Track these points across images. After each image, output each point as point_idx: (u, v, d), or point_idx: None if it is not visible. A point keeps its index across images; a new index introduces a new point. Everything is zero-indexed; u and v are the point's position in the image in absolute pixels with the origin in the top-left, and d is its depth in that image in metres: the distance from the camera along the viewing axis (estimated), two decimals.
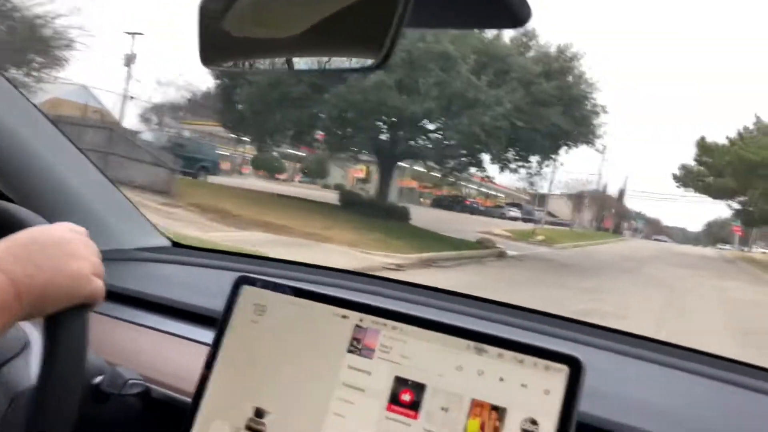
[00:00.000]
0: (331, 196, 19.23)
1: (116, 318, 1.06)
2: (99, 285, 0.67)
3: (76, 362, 0.65)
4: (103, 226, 1.31)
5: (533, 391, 0.61)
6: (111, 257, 1.31)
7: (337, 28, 0.56)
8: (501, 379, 0.62)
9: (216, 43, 0.71)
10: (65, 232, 0.66)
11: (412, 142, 17.85)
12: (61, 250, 0.63)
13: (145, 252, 1.39)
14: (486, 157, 17.93)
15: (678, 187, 28.07)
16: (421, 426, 0.63)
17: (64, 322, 0.64)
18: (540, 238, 20.67)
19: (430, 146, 18.01)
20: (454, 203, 36.49)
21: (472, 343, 0.64)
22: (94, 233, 1.28)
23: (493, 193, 49.00)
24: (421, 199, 38.51)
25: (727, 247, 50.67)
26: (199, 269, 1.35)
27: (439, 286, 1.32)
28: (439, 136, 17.49)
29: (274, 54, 0.68)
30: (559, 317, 1.16)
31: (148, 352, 0.97)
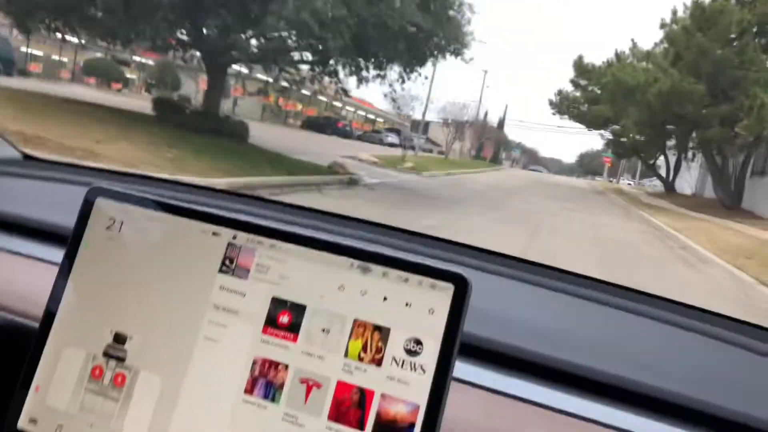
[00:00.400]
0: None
1: None
2: None
3: None
4: None
5: (417, 310, 0.58)
6: None
7: None
8: (384, 299, 0.59)
9: None
10: None
11: (241, 38, 13.81)
12: None
13: None
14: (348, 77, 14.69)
15: (554, 114, 27.81)
16: (299, 349, 0.59)
17: None
18: (409, 165, 19.77)
19: (260, 44, 14.13)
20: (326, 126, 33.98)
21: (356, 262, 0.60)
22: None
23: (372, 117, 47.55)
24: (290, 120, 36.39)
25: (598, 178, 51.86)
26: (53, 184, 1.22)
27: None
28: (275, 35, 13.79)
29: None
30: (445, 240, 1.15)
31: None
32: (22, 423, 0.62)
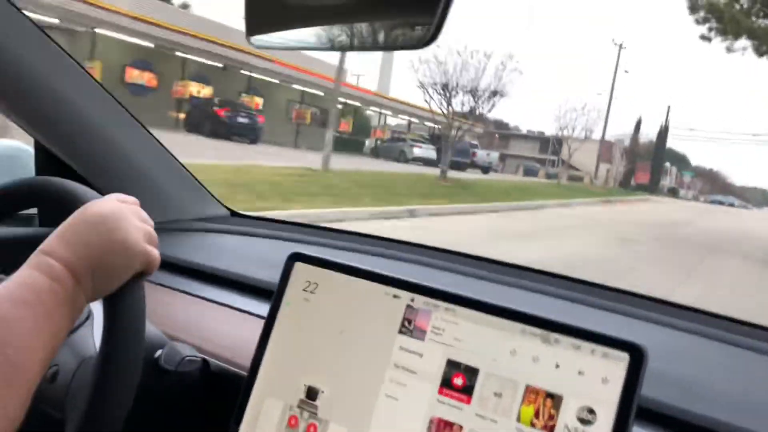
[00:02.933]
0: None
1: (175, 289, 1.09)
2: (153, 253, 0.67)
3: (135, 335, 0.66)
4: (162, 197, 1.35)
5: (590, 378, 0.58)
6: (170, 227, 1.34)
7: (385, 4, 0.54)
8: (557, 366, 0.60)
9: (264, 14, 0.69)
10: (113, 204, 0.66)
11: None
12: (110, 223, 0.64)
13: (204, 222, 1.42)
14: None
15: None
16: (473, 411, 0.62)
17: (121, 294, 0.65)
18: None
19: None
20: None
21: (527, 327, 0.62)
22: (153, 204, 1.32)
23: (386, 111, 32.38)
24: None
25: None
26: (256, 239, 1.37)
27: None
28: None
29: (323, 22, 0.66)
30: (617, 290, 1.12)
31: (206, 325, 0.99)
32: None
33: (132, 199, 0.70)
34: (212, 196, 1.53)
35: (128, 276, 0.65)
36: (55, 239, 0.61)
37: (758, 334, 0.98)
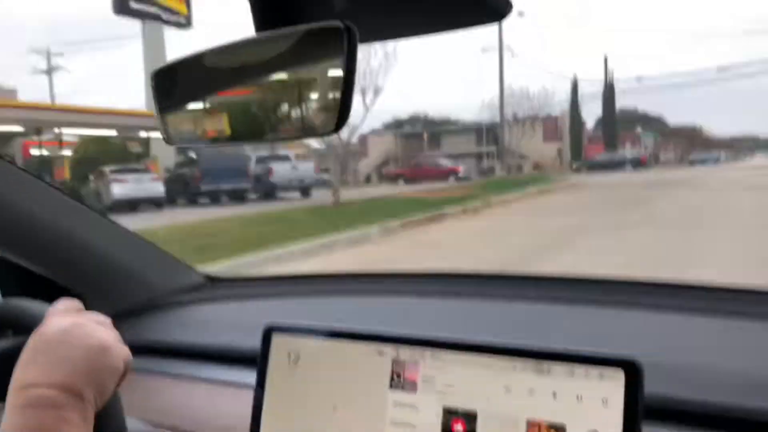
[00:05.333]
0: None
1: (157, 372, 1.06)
2: (126, 349, 0.64)
3: None
4: (129, 278, 1.31)
5: (590, 402, 0.57)
6: (143, 307, 1.31)
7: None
8: (554, 395, 0.58)
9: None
10: (67, 318, 0.62)
11: None
12: (77, 334, 0.60)
13: (178, 294, 1.38)
14: None
15: None
16: None
17: (105, 407, 0.62)
18: None
19: None
20: None
21: (517, 361, 0.61)
22: (122, 286, 1.29)
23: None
24: None
25: None
26: (236, 303, 1.34)
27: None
28: None
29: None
30: (607, 281, 1.10)
31: (195, 405, 0.96)
32: None
33: (71, 303, 0.65)
34: (183, 263, 1.50)
35: (116, 379, 0.62)
36: (29, 369, 0.57)
37: (743, 298, 0.97)
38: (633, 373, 0.56)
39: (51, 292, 0.71)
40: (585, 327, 0.92)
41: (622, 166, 35.67)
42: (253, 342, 0.96)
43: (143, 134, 24.75)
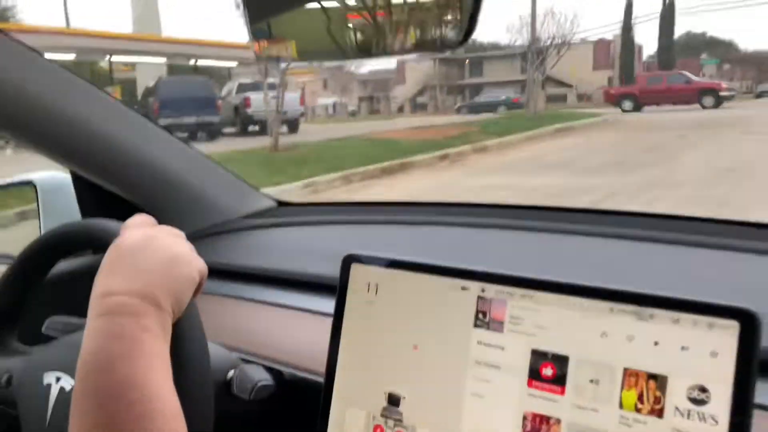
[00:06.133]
0: None
1: (230, 296, 1.06)
2: (201, 260, 0.64)
3: (200, 360, 0.64)
4: (202, 202, 1.32)
5: (697, 354, 0.52)
6: (215, 231, 1.32)
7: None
8: (656, 343, 0.54)
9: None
10: (140, 230, 0.63)
11: None
12: (152, 246, 0.61)
13: (251, 219, 1.39)
14: None
15: None
16: (569, 401, 0.57)
17: (181, 318, 0.62)
18: None
19: None
20: None
21: (616, 305, 0.56)
22: (195, 210, 1.30)
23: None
24: None
25: None
26: (309, 228, 1.33)
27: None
28: None
29: None
30: (711, 220, 0.99)
31: (272, 331, 0.96)
32: None
33: (150, 219, 0.67)
34: (255, 189, 1.50)
35: (192, 290, 0.62)
36: (109, 279, 0.58)
37: None
38: (749, 324, 0.51)
39: (126, 214, 0.71)
40: (683, 271, 0.86)
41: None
42: (330, 269, 0.95)
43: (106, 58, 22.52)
